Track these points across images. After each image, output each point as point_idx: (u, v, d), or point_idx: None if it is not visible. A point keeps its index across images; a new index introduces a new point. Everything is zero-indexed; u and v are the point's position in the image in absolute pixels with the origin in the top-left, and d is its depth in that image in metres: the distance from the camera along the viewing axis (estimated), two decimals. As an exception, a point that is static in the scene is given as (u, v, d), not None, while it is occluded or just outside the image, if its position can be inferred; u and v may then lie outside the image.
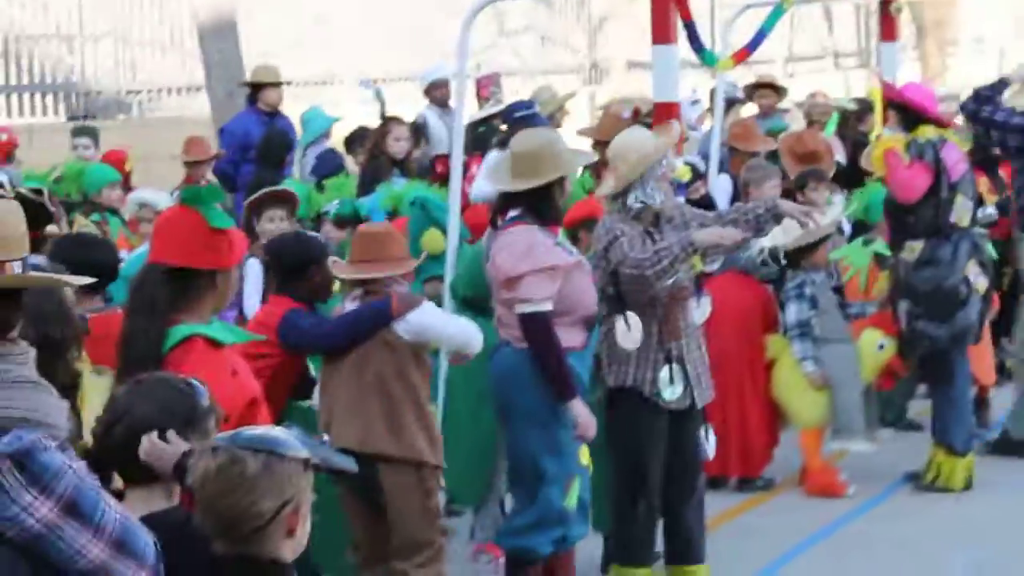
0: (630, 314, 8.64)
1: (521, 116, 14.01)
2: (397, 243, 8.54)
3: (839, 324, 11.38)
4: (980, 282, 11.21)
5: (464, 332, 8.35)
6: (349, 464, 4.52)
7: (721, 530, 9.71)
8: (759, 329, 11.40)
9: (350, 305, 8.39)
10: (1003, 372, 14.27)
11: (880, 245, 12.04)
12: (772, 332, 11.47)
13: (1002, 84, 12.09)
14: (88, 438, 5.52)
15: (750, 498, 11.17)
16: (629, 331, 8.64)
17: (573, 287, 8.38)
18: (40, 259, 7.91)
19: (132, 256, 10.01)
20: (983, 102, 11.92)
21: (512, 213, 8.44)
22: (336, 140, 15.72)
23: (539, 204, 8.45)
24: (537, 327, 8.26)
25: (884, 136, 11.65)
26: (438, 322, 8.33)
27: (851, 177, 13.65)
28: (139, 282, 6.29)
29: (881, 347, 11.52)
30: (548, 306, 8.26)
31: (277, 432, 4.35)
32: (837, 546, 10.32)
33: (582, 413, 8.33)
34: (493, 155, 13.75)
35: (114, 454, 4.75)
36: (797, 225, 10.96)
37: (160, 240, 6.49)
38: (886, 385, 12.13)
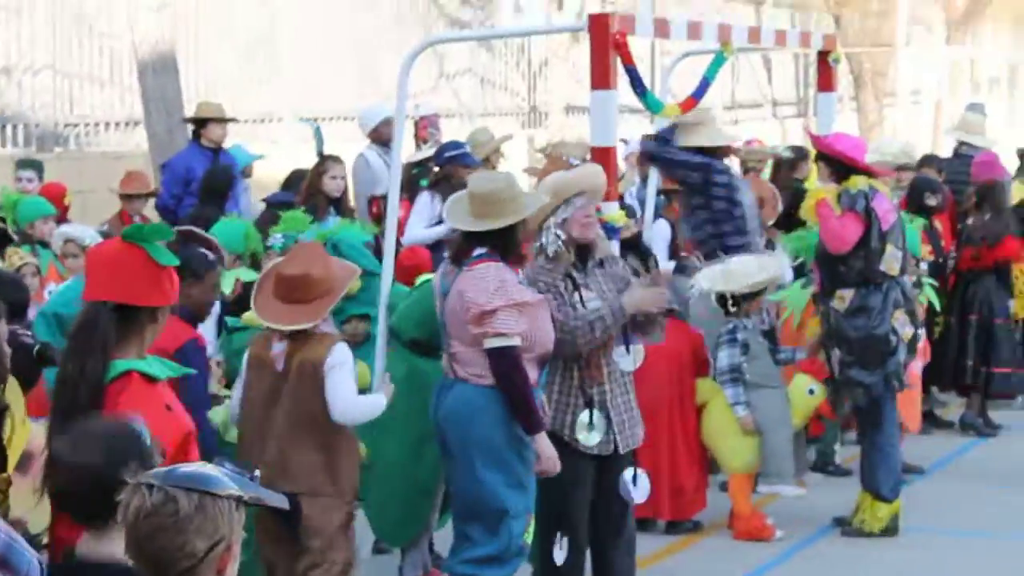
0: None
1: (451, 156, 14.19)
2: (322, 279, 8.52)
3: (770, 369, 11.46)
4: (907, 331, 11.31)
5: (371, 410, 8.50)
6: (281, 501, 4.54)
7: (649, 571, 9.75)
8: (690, 372, 11.43)
9: (277, 347, 8.43)
10: (931, 420, 14.48)
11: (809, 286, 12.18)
12: (702, 376, 11.52)
13: (673, 127, 12.14)
14: (11, 472, 5.62)
15: (678, 540, 11.21)
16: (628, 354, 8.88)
17: (536, 325, 8.47)
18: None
19: (57, 292, 10.04)
20: (663, 142, 12.06)
21: (478, 251, 8.49)
22: (267, 177, 15.75)
23: (503, 243, 8.55)
24: (508, 361, 8.33)
25: (815, 187, 11.73)
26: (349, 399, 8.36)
27: (785, 223, 13.75)
28: (88, 320, 6.20)
29: (811, 392, 11.61)
30: (518, 340, 8.35)
31: (210, 469, 4.30)
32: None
33: (547, 447, 8.42)
34: (425, 197, 13.89)
35: (67, 500, 4.84)
36: (741, 272, 11.24)
37: (104, 276, 6.34)
38: (815, 430, 12.25)
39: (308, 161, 15.25)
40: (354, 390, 8.40)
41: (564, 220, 8.82)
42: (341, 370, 8.29)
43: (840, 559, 11.12)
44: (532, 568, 9.20)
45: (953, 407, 15.08)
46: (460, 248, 8.62)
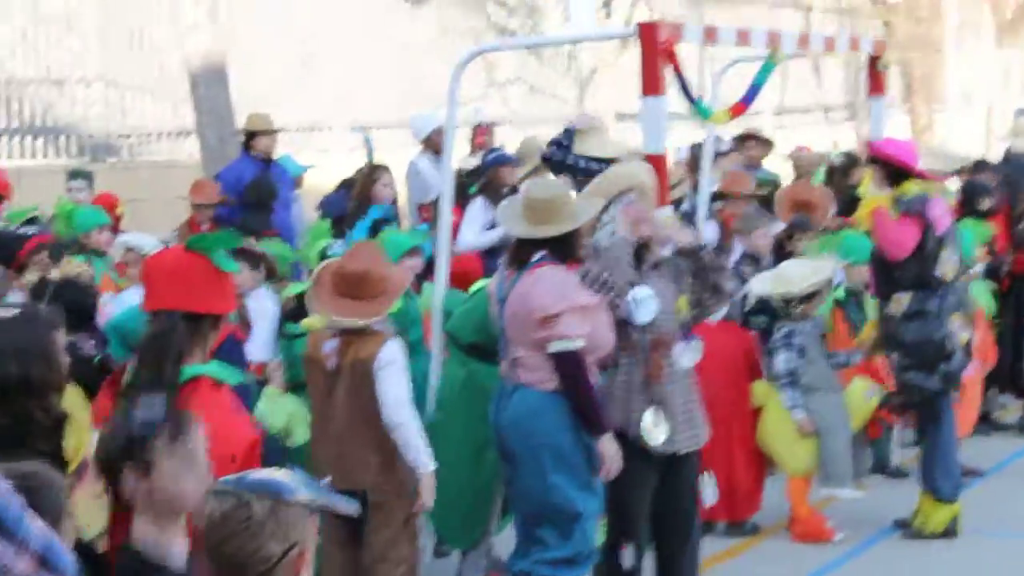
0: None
1: (493, 159, 14.25)
2: (378, 280, 8.57)
3: (827, 372, 11.48)
4: (963, 335, 11.34)
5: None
6: (351, 508, 4.58)
7: (709, 574, 9.75)
8: (744, 375, 11.46)
9: (329, 344, 8.47)
10: (989, 423, 14.46)
11: (839, 291, 12.21)
12: (756, 379, 11.53)
13: (571, 131, 12.13)
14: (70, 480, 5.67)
15: (738, 543, 11.22)
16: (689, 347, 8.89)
17: (597, 327, 8.42)
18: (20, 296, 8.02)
19: (123, 305, 10.05)
20: (561, 148, 12.04)
21: (537, 256, 8.49)
22: (318, 187, 15.82)
23: (562, 248, 8.56)
24: (573, 364, 8.33)
25: (870, 194, 11.69)
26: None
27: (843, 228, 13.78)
28: (162, 330, 6.17)
29: (870, 396, 11.66)
30: (582, 343, 8.32)
31: (281, 476, 4.37)
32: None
33: (611, 449, 8.40)
34: (478, 203, 13.90)
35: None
36: (797, 274, 11.25)
37: (169, 285, 6.30)
38: (873, 433, 12.26)
39: (357, 168, 15.34)
40: (405, 390, 8.41)
41: (614, 217, 8.88)
42: (392, 368, 8.32)
43: (900, 561, 11.12)
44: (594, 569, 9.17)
45: (1013, 409, 15.01)
46: (519, 252, 8.60)
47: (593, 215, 8.82)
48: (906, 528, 11.54)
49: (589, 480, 8.52)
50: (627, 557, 8.86)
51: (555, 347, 8.31)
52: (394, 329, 9.10)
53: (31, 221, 12.53)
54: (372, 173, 14.38)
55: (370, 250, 8.99)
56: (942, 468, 11.41)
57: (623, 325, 8.71)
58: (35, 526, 4.14)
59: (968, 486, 11.93)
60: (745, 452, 11.30)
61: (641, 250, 8.89)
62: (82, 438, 6.24)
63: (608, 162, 11.64)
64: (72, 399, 6.49)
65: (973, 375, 12.62)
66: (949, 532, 11.38)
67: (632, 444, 8.70)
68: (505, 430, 8.53)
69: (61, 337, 6.19)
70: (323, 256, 11.60)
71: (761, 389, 11.35)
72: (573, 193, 9.17)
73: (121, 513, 5.71)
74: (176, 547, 4.75)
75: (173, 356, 6.15)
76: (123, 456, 4.76)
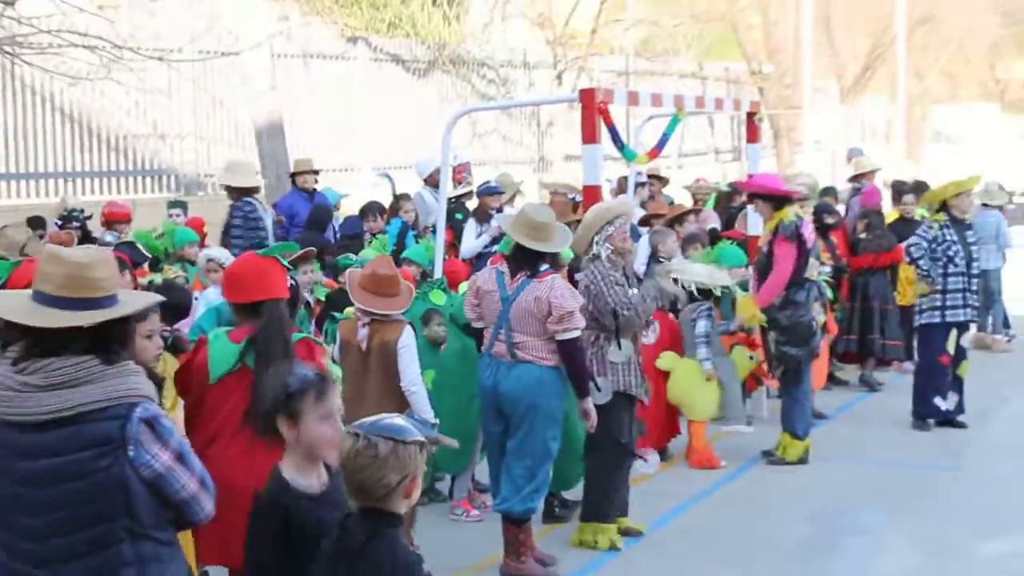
0: (623, 340, 8.89)
1: (486, 189, 14.31)
2: (399, 282, 8.52)
3: (718, 343, 11.52)
4: (820, 317, 11.39)
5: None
6: (451, 441, 4.71)
7: (634, 490, 9.71)
8: (667, 348, 11.35)
9: (362, 331, 8.43)
10: (832, 380, 14.48)
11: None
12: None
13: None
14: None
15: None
16: (620, 350, 8.84)
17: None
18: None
19: (207, 300, 9.98)
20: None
21: (543, 267, 8.46)
22: (349, 211, 15.77)
23: (555, 260, 8.71)
24: (577, 345, 8.35)
25: (764, 229, 11.64)
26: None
27: (720, 238, 13.86)
28: (279, 312, 6.40)
29: (751, 358, 11.65)
30: (580, 332, 8.40)
31: (401, 421, 4.39)
32: (714, 502, 10.37)
33: (591, 407, 8.43)
34: (471, 223, 13.93)
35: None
36: (699, 271, 11.46)
37: (263, 280, 6.49)
38: (751, 387, 12.22)
39: (377, 198, 15.33)
40: (417, 365, 8.36)
41: (610, 235, 8.93)
42: (408, 349, 8.26)
43: (768, 480, 11.08)
44: (585, 491, 9.32)
45: (849, 370, 15.00)
46: (526, 263, 8.46)
47: (571, 238, 8.94)
48: (771, 457, 11.52)
49: (558, 433, 8.52)
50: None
51: (567, 335, 8.27)
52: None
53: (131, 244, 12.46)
54: (397, 201, 14.42)
55: (390, 261, 8.95)
56: (799, 414, 11.43)
57: (621, 323, 8.90)
58: (195, 458, 4.21)
59: (815, 426, 11.86)
60: (665, 402, 11.20)
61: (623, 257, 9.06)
62: (174, 394, 6.39)
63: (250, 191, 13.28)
64: (169, 367, 6.54)
65: (823, 345, 12.62)
66: (802, 460, 11.40)
67: (632, 397, 9.01)
68: (509, 393, 8.38)
69: (155, 320, 6.24)
70: (339, 265, 11.59)
71: (668, 357, 11.26)
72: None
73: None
74: (314, 480, 4.84)
75: (287, 328, 6.37)
76: (280, 408, 4.83)
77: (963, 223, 12.58)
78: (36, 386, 3.96)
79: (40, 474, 3.96)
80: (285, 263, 6.79)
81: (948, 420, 12.72)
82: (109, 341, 4.07)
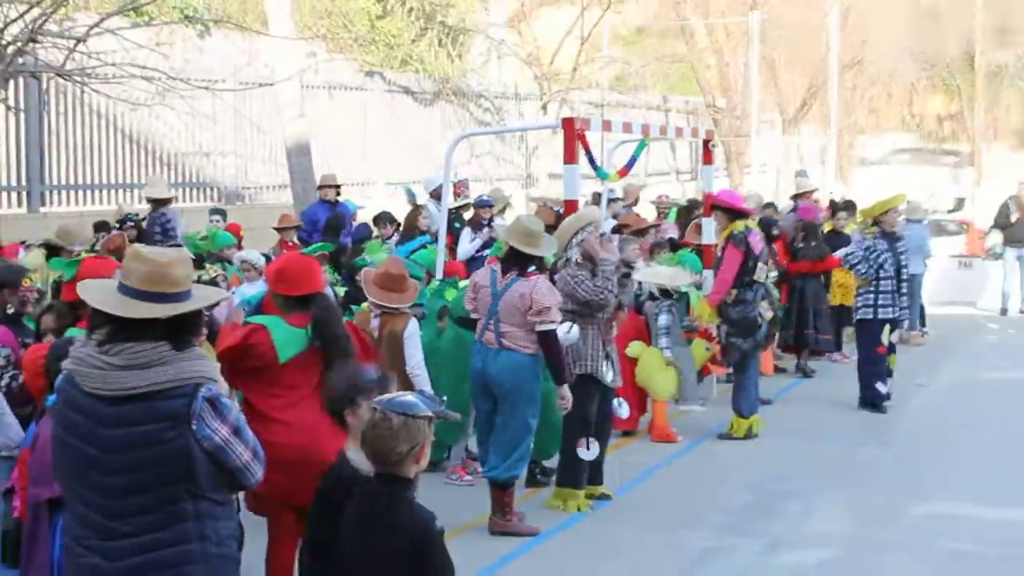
0: (573, 324, 8.80)
1: (480, 202, 14.28)
2: (407, 280, 8.54)
3: (680, 335, 11.47)
4: (767, 314, 11.32)
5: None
6: (455, 415, 4.72)
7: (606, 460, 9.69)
8: (633, 339, 11.30)
9: (374, 322, 8.40)
10: (780, 371, 14.55)
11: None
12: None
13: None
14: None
15: (619, 440, 11.02)
16: (569, 332, 8.74)
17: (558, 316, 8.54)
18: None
19: (252, 294, 9.93)
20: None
21: (530, 268, 8.45)
22: (365, 219, 15.75)
23: (541, 263, 8.68)
24: (552, 336, 8.31)
25: (719, 239, 11.64)
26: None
27: (681, 246, 13.89)
28: (331, 303, 6.54)
29: (707, 349, 11.62)
30: (556, 325, 8.36)
31: (412, 398, 4.46)
32: (672, 472, 10.35)
33: (567, 391, 8.42)
34: (467, 231, 13.91)
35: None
36: (664, 273, 11.49)
37: (312, 276, 6.54)
38: (706, 373, 12.20)
39: (389, 209, 15.30)
40: (421, 352, 8.40)
41: (582, 240, 8.92)
42: (414, 338, 8.28)
43: (718, 453, 11.06)
44: (560, 462, 9.29)
45: (788, 359, 14.99)
46: (516, 264, 8.46)
47: (556, 245, 8.94)
48: (722, 433, 11.49)
49: (537, 412, 8.50)
50: (588, 453, 9.01)
51: (543, 327, 8.26)
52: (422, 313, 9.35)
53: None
54: (416, 210, 14.40)
55: (400, 262, 8.97)
56: (745, 397, 11.41)
57: (595, 309, 8.90)
58: (250, 432, 4.23)
59: (761, 407, 11.82)
60: (634, 384, 11.12)
61: (591, 260, 8.95)
62: None
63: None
64: (207, 350, 6.46)
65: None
66: (748, 436, 11.39)
67: (596, 379, 8.95)
68: (495, 377, 8.39)
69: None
70: (355, 266, 11.55)
71: (636, 346, 11.23)
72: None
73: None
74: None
75: (341, 315, 6.64)
76: (346, 404, 5.14)
77: (893, 235, 12.61)
78: (118, 366, 3.99)
79: (117, 441, 3.98)
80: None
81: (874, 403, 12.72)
82: (181, 330, 4.09)
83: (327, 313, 6.34)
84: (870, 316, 12.55)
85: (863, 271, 12.51)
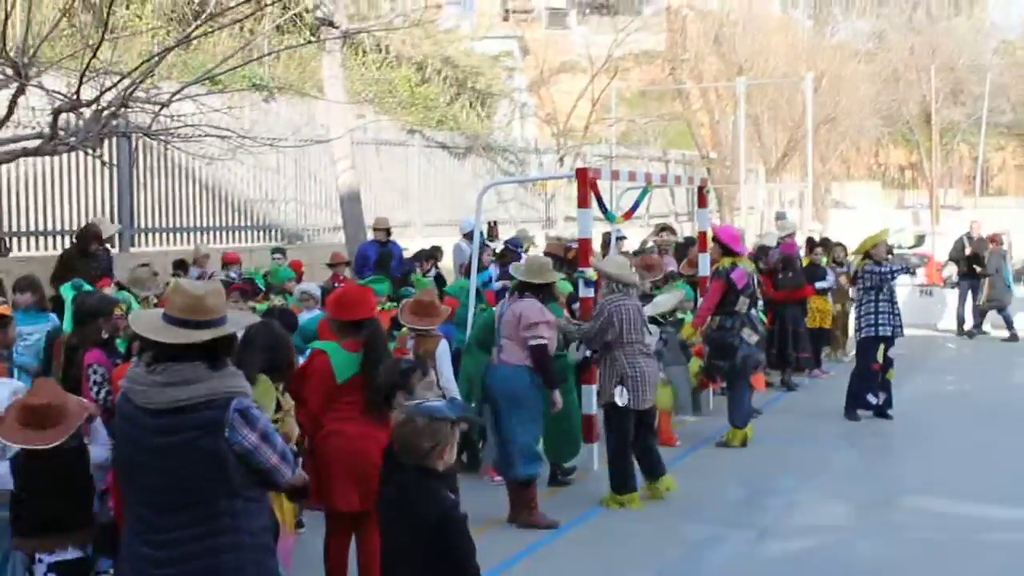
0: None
1: (508, 247, 14.23)
2: (437, 306, 8.51)
3: (679, 353, 11.38)
4: (752, 337, 11.16)
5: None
6: (480, 422, 4.84)
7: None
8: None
9: (410, 343, 8.39)
10: (769, 385, 14.42)
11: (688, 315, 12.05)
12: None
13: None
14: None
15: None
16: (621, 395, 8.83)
17: (553, 335, 8.47)
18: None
19: (306, 320, 9.91)
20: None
21: (527, 293, 8.43)
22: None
23: (541, 291, 8.52)
24: (543, 351, 8.26)
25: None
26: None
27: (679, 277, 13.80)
28: (379, 327, 6.52)
29: (701, 366, 11.53)
30: (547, 341, 8.31)
31: (437, 403, 4.52)
32: (673, 472, 10.20)
33: (558, 396, 8.45)
34: (493, 267, 13.85)
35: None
36: (658, 302, 11.19)
37: (366, 303, 6.58)
38: (703, 387, 12.06)
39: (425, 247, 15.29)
40: (451, 368, 8.35)
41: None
42: (444, 356, 8.21)
43: (717, 456, 10.97)
44: (610, 473, 9.13)
45: (774, 375, 14.87)
46: (518, 289, 8.49)
47: (556, 279, 8.87)
48: (719, 441, 11.35)
49: (536, 416, 8.42)
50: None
51: (534, 342, 8.23)
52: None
53: (249, 281, 12.29)
54: (433, 251, 14.35)
55: (431, 291, 8.97)
56: (738, 409, 11.29)
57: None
58: (279, 437, 4.21)
59: (754, 418, 11.72)
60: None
61: None
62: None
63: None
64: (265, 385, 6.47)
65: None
66: (744, 443, 11.23)
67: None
68: (494, 388, 8.36)
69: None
70: (400, 296, 11.51)
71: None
72: (550, 264, 9.03)
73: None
74: None
75: (387, 339, 6.71)
76: (398, 384, 5.34)
77: (882, 263, 12.51)
78: (161, 383, 4.03)
79: (161, 447, 4.01)
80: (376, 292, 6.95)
81: (880, 412, 12.56)
82: (216, 351, 4.11)
83: (376, 337, 6.40)
84: (872, 334, 12.34)
85: (868, 285, 12.31)
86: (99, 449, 5.69)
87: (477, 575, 4.40)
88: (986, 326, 20.27)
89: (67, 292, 10.46)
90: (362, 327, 6.40)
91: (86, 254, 11.99)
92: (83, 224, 13.06)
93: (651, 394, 9.04)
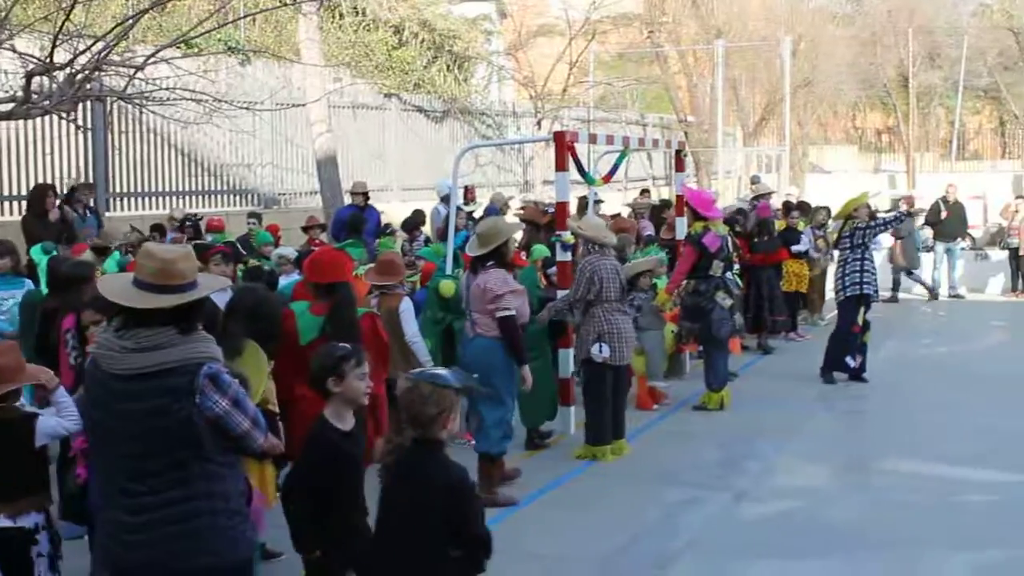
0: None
1: (486, 211, 14.19)
2: (398, 265, 8.57)
3: (654, 319, 11.38)
4: (726, 301, 11.19)
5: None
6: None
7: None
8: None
9: (374, 301, 8.40)
10: (745, 349, 14.50)
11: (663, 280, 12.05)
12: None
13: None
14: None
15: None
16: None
17: (521, 304, 8.33)
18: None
19: (283, 284, 9.88)
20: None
21: (489, 263, 8.28)
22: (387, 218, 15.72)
23: (500, 258, 8.36)
24: (511, 323, 8.17)
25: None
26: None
27: (654, 241, 13.85)
28: (349, 292, 6.53)
29: (673, 331, 11.54)
30: (514, 312, 8.21)
31: (441, 371, 4.58)
32: (651, 436, 10.32)
33: (528, 372, 8.32)
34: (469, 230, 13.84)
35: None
36: (638, 264, 11.23)
37: (336, 268, 6.60)
38: (679, 351, 12.08)
39: (405, 214, 15.23)
40: (416, 325, 8.38)
41: None
42: (408, 313, 8.28)
43: (690, 420, 11.04)
44: (587, 424, 9.37)
45: (750, 338, 14.94)
46: (476, 262, 8.38)
47: (512, 234, 8.66)
48: (697, 405, 11.40)
49: (510, 389, 8.35)
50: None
51: (500, 314, 8.15)
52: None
53: (231, 244, 12.27)
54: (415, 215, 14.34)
55: (395, 253, 9.09)
56: (714, 373, 11.33)
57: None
58: (250, 403, 4.16)
59: (730, 381, 11.76)
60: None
61: None
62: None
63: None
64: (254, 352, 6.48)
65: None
66: (721, 407, 11.28)
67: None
68: (470, 361, 8.28)
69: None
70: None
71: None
72: (502, 223, 8.96)
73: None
74: (348, 421, 5.02)
75: (354, 303, 6.58)
76: (330, 371, 4.98)
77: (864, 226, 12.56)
78: (130, 348, 3.99)
79: (132, 413, 3.98)
80: (352, 255, 6.89)
81: (856, 375, 12.62)
82: (186, 317, 4.06)
83: (343, 302, 6.39)
84: (857, 292, 12.35)
85: (856, 243, 12.35)
86: (50, 420, 5.46)
87: (489, 540, 4.47)
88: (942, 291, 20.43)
89: (37, 255, 10.42)
90: (332, 291, 6.39)
91: (41, 216, 11.93)
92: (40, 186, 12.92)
93: (628, 351, 9.26)
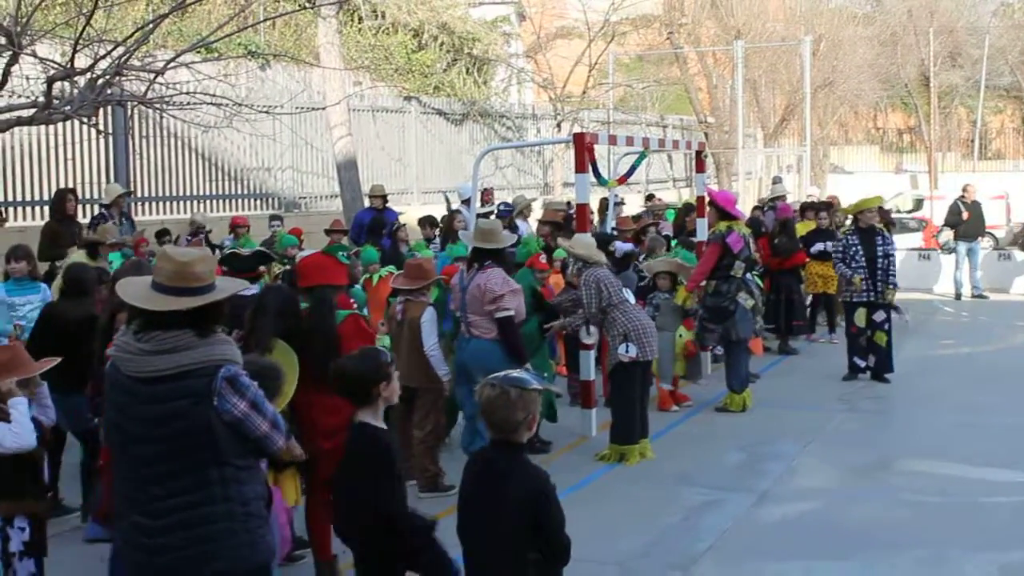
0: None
1: (504, 210, 14.15)
2: (427, 268, 8.51)
3: (670, 320, 11.30)
4: (749, 302, 11.17)
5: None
6: (558, 390, 4.76)
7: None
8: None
9: (398, 306, 8.40)
10: (767, 350, 14.44)
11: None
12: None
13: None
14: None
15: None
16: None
17: (519, 305, 8.37)
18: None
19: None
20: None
21: (488, 262, 8.33)
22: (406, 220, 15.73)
23: (500, 259, 8.44)
24: (510, 323, 8.20)
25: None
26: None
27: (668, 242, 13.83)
28: (327, 296, 6.46)
29: (680, 335, 11.51)
30: (513, 312, 8.23)
31: (524, 374, 4.50)
32: (673, 437, 10.30)
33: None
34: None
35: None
36: (658, 264, 11.37)
37: (319, 272, 6.56)
38: (691, 353, 12.06)
39: (424, 213, 15.21)
40: (435, 335, 8.32)
41: None
42: (429, 324, 8.20)
43: (714, 422, 11.01)
44: (613, 425, 9.38)
45: (772, 339, 14.89)
46: (476, 259, 8.40)
47: (509, 243, 8.78)
48: (719, 406, 11.37)
49: None
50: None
51: (500, 314, 8.18)
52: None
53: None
54: (452, 214, 14.29)
55: (428, 259, 8.97)
56: (736, 375, 11.30)
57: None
58: (269, 404, 4.15)
59: (752, 383, 11.73)
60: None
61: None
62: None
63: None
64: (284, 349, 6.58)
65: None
66: (743, 408, 11.25)
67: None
68: (466, 362, 8.34)
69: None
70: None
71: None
72: (500, 227, 8.97)
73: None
74: (381, 423, 4.97)
75: (334, 307, 6.47)
76: (382, 376, 4.94)
77: (868, 230, 12.49)
78: (149, 351, 3.98)
79: (150, 416, 3.98)
80: (342, 259, 6.90)
81: (876, 376, 12.59)
82: (204, 319, 4.05)
83: (318, 302, 6.44)
84: (848, 299, 12.59)
85: (841, 273, 12.68)
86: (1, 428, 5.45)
87: (569, 546, 4.42)
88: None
89: (116, 259, 10.62)
90: (311, 293, 6.47)
91: (67, 219, 11.99)
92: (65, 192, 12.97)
93: (655, 345, 9.33)
